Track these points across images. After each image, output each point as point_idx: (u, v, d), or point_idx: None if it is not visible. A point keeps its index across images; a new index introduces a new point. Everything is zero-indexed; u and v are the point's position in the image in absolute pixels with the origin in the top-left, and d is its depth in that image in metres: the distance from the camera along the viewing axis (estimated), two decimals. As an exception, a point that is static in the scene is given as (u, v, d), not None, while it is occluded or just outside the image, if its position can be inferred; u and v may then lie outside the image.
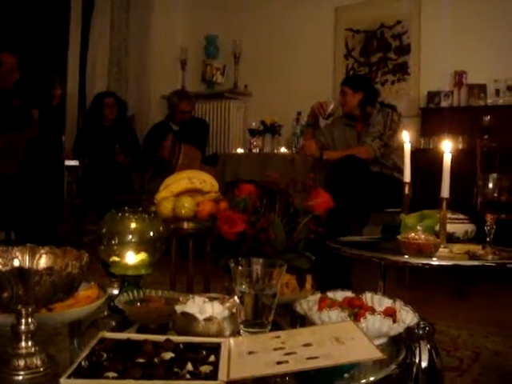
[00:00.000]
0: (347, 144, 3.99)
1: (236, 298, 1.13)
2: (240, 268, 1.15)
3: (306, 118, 4.36)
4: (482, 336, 2.65)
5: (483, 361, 2.30)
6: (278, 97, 5.43)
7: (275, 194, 1.58)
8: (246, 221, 1.39)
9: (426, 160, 3.95)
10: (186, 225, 1.72)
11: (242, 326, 1.14)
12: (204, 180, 1.82)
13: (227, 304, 1.11)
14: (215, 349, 0.99)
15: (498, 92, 4.47)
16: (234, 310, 1.10)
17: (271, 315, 1.17)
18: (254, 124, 4.71)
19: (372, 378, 1.03)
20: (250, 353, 0.94)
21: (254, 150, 4.56)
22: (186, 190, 1.79)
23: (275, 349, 0.94)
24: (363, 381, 1.02)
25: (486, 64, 4.53)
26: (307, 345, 0.94)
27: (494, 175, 1.86)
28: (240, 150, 4.70)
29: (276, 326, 1.24)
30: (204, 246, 1.77)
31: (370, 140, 3.76)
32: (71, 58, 5.78)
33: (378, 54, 5.13)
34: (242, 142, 5.48)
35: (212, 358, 0.95)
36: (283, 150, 4.58)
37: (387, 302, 1.50)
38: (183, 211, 1.68)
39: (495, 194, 1.85)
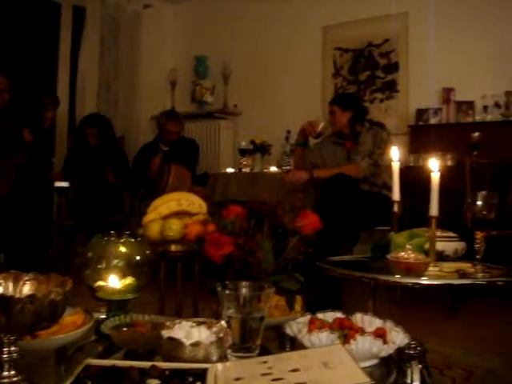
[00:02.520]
0: (337, 162, 3.99)
1: (223, 322, 1.12)
2: (227, 292, 1.13)
3: (295, 136, 4.37)
4: (474, 354, 2.63)
5: (475, 380, 2.28)
6: (267, 116, 5.46)
7: (263, 215, 1.57)
8: (233, 243, 1.37)
9: (415, 177, 3.96)
10: (173, 247, 1.71)
11: (229, 351, 1.13)
12: (192, 202, 1.82)
13: (214, 328, 1.10)
14: (202, 375, 0.98)
15: (485, 108, 4.50)
16: (221, 335, 1.09)
17: (259, 339, 1.15)
18: (243, 143, 4.71)
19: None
20: (237, 379, 0.92)
21: (244, 170, 4.55)
22: (175, 212, 1.78)
23: (262, 374, 0.92)
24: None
25: (474, 81, 4.56)
26: (295, 370, 0.93)
27: (483, 193, 1.86)
28: (230, 170, 4.69)
29: (264, 350, 1.23)
30: (192, 268, 1.75)
31: (359, 159, 3.77)
32: (61, 79, 5.77)
33: (366, 72, 5.16)
34: (232, 161, 5.48)
35: (198, 385, 0.94)
36: (273, 169, 4.58)
37: (378, 323, 1.50)
38: (171, 233, 1.66)
39: (484, 212, 1.85)
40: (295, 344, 1.39)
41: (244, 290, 1.18)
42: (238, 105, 5.79)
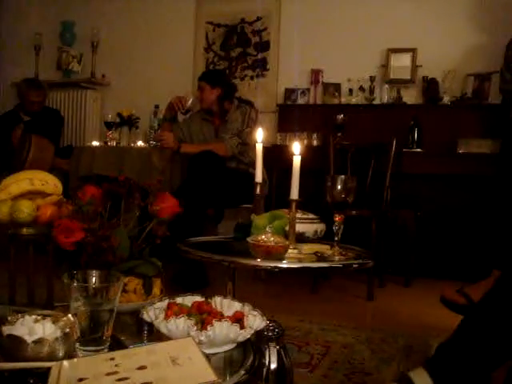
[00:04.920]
0: (204, 139, 3.97)
1: (70, 315, 1.06)
2: (75, 283, 1.07)
3: (163, 111, 4.29)
4: (332, 330, 2.73)
5: (332, 355, 2.37)
6: (136, 89, 5.32)
7: (121, 197, 1.52)
8: (85, 229, 1.31)
9: (282, 157, 4.02)
10: (25, 230, 1.60)
11: (77, 345, 1.07)
12: (46, 181, 1.70)
13: (60, 323, 1.03)
14: (45, 375, 0.92)
15: (351, 91, 4.66)
16: (68, 330, 1.03)
17: (109, 331, 1.11)
18: (110, 116, 4.55)
19: (223, 387, 1.01)
20: (80, 379, 0.88)
21: (110, 143, 4.41)
22: (27, 191, 1.67)
23: (108, 374, 0.88)
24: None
25: (341, 64, 4.71)
26: (142, 367, 0.89)
27: (342, 177, 1.90)
28: (95, 143, 4.52)
29: (116, 341, 1.18)
30: (45, 253, 1.66)
31: (227, 137, 3.78)
32: None
33: (238, 48, 5.16)
34: (99, 134, 5.29)
35: (39, 387, 0.88)
36: (140, 143, 4.47)
37: (236, 306, 1.49)
38: (21, 216, 1.56)
39: (343, 195, 1.89)
40: (153, 330, 1.36)
41: (94, 280, 1.12)
42: (106, 75, 5.58)
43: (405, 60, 4.57)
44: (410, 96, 4.56)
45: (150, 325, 1.33)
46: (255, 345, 1.44)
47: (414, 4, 4.54)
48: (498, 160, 3.43)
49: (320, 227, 2.08)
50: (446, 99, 4.36)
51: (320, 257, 1.82)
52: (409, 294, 3.72)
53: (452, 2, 4.45)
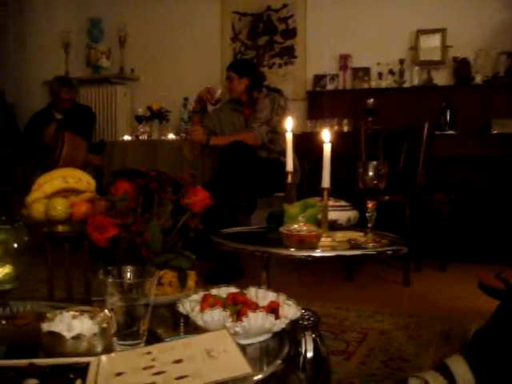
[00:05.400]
0: (235, 129, 3.98)
1: (107, 311, 1.08)
2: (110, 279, 1.09)
3: (193, 103, 4.31)
4: (368, 316, 2.73)
5: (369, 342, 2.36)
6: (165, 82, 5.35)
7: (153, 192, 1.53)
8: (118, 225, 1.32)
9: (313, 144, 4.00)
10: (60, 228, 1.63)
11: (115, 339, 1.09)
12: (80, 178, 1.73)
13: (98, 318, 1.05)
14: (83, 370, 0.93)
15: (380, 75, 4.61)
16: (105, 325, 1.05)
17: (146, 325, 1.12)
18: (140, 110, 4.59)
19: (260, 376, 1.02)
20: (118, 374, 0.89)
21: (141, 137, 4.44)
22: (60, 189, 1.70)
23: (144, 368, 0.90)
24: (253, 378, 0.99)
25: (370, 48, 4.66)
26: (178, 361, 0.90)
27: (374, 163, 1.89)
28: (127, 138, 4.56)
29: (153, 335, 1.20)
30: (81, 250, 1.69)
31: (257, 126, 3.77)
32: None
33: (264, 37, 5.14)
34: (130, 128, 5.34)
35: (79, 382, 0.90)
36: (171, 136, 4.49)
37: (271, 296, 1.50)
38: (56, 214, 1.58)
39: (375, 181, 1.88)
40: (189, 322, 1.38)
41: (128, 276, 1.14)
42: (134, 70, 5.62)
43: (434, 41, 4.50)
44: (441, 77, 4.50)
45: (187, 317, 1.34)
46: (291, 334, 1.44)
47: (442, -17, 4.46)
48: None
49: (353, 214, 2.07)
50: (478, 79, 4.29)
51: (353, 244, 1.82)
52: (445, 278, 3.69)
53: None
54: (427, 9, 4.50)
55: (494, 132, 3.98)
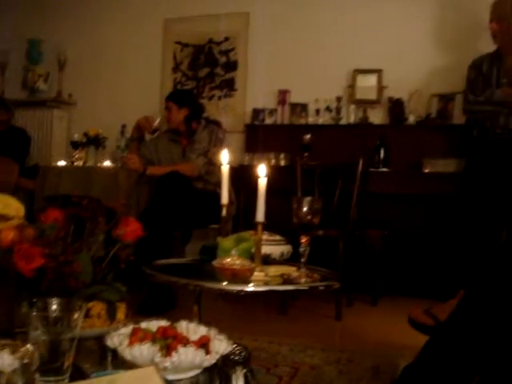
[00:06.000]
0: (172, 159, 3.96)
1: (29, 345, 1.03)
2: (34, 312, 1.05)
3: (131, 131, 4.27)
4: (300, 351, 2.72)
5: (301, 377, 2.35)
6: (103, 108, 5.28)
7: (84, 221, 1.50)
8: (46, 254, 1.28)
9: (250, 177, 4.02)
10: (-15, 255, 1.56)
11: (37, 375, 1.05)
12: (8, 204, 1.67)
13: (19, 353, 1.01)
14: (1, 407, 0.90)
15: (318, 111, 4.69)
16: (27, 360, 1.01)
17: (70, 360, 1.08)
18: (76, 136, 4.51)
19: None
20: (37, 413, 0.85)
21: (76, 163, 4.36)
22: (-13, 215, 1.63)
23: (66, 406, 0.86)
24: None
25: (308, 85, 4.74)
26: (100, 400, 0.88)
27: (308, 198, 1.91)
28: (62, 163, 4.46)
29: (77, 371, 1.16)
30: (5, 279, 1.62)
31: (194, 157, 3.77)
32: None
33: (205, 68, 5.16)
34: (65, 154, 5.23)
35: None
36: (107, 163, 4.43)
37: (202, 330, 1.48)
38: (-19, 241, 1.52)
39: (309, 217, 1.90)
40: (117, 356, 1.34)
41: (54, 309, 1.10)
42: (72, 94, 5.53)
43: (371, 81, 4.62)
44: (376, 116, 4.61)
45: (114, 351, 1.31)
46: (221, 369, 1.43)
47: (378, 26, 4.61)
48: (462, 179, 3.49)
49: (286, 249, 2.08)
50: (412, 119, 4.43)
51: (286, 279, 1.82)
52: (376, 312, 3.74)
53: (415, 23, 4.53)
54: (365, 49, 4.63)
55: (426, 171, 4.11)
